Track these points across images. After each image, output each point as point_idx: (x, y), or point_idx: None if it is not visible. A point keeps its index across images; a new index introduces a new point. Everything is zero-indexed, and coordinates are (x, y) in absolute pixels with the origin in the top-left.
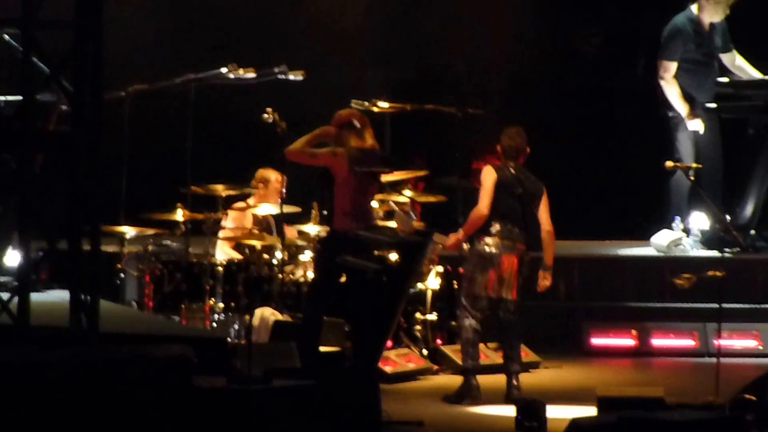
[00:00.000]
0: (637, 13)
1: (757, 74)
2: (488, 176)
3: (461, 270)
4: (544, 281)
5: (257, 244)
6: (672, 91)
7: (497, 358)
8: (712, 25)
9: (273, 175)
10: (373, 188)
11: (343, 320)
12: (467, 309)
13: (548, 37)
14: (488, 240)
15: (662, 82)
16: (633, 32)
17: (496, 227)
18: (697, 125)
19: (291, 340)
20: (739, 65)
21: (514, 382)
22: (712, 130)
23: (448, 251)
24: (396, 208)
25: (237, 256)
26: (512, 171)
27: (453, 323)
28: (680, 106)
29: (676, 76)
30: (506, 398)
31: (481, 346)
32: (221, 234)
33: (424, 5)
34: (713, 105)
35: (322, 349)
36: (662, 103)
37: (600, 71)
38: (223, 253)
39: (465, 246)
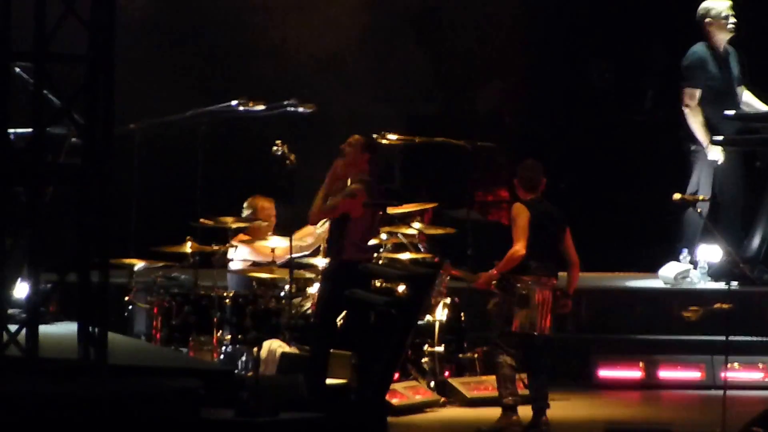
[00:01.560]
0: (645, 47)
1: (765, 108)
2: (521, 214)
3: (490, 305)
4: (564, 308)
5: (265, 276)
6: (696, 119)
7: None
8: (727, 52)
9: (263, 203)
10: (379, 220)
11: (350, 352)
12: (501, 346)
13: (560, 71)
14: (524, 278)
15: (686, 110)
16: (642, 66)
17: (531, 265)
18: (716, 155)
19: (298, 372)
20: (747, 101)
21: (543, 419)
22: (733, 161)
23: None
24: (404, 241)
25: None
26: (542, 205)
27: (460, 355)
28: (702, 135)
29: (700, 105)
30: None
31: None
32: (233, 265)
33: (436, 41)
34: (719, 138)
35: (329, 381)
36: (685, 137)
37: (610, 105)
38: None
39: (494, 283)
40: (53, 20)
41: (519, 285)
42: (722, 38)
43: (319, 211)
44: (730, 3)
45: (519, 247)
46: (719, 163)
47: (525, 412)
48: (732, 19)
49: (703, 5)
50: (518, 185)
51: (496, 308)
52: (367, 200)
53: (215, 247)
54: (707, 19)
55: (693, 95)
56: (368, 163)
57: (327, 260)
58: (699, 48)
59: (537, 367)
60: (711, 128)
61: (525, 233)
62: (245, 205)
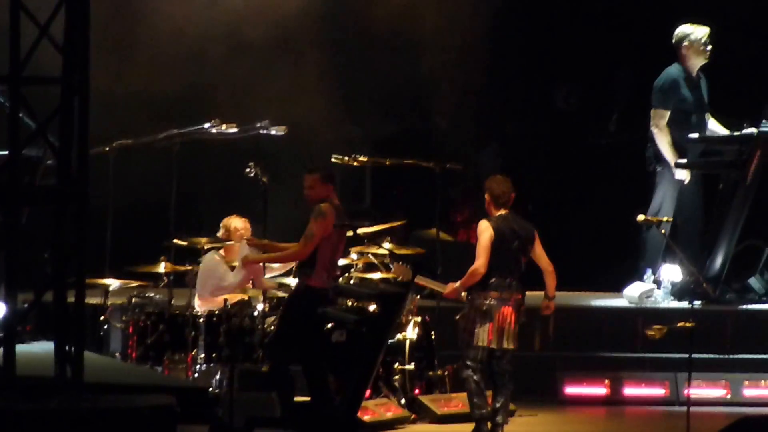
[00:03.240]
0: (610, 71)
1: (727, 133)
2: (484, 232)
3: (457, 318)
4: (547, 310)
5: (238, 295)
6: (664, 139)
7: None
8: (699, 77)
9: (237, 223)
10: (344, 242)
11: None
12: (467, 361)
13: (525, 94)
14: (485, 294)
15: (655, 130)
16: (606, 90)
17: (493, 281)
18: (683, 174)
19: (271, 390)
20: (711, 127)
21: None
22: (693, 184)
23: (446, 300)
24: (375, 261)
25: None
26: (507, 222)
27: (431, 373)
28: (669, 155)
29: (668, 126)
30: None
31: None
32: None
33: (405, 64)
34: (683, 161)
35: (298, 399)
36: (653, 156)
37: (575, 128)
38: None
39: (463, 294)
40: (28, 43)
41: (481, 301)
42: (697, 63)
43: (304, 245)
44: (709, 30)
45: (479, 265)
46: (686, 182)
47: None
48: (709, 46)
49: (681, 29)
50: (488, 201)
51: (463, 320)
52: (337, 222)
53: (189, 267)
54: (685, 43)
55: (663, 116)
56: (333, 192)
57: (297, 280)
58: (673, 70)
59: (499, 383)
60: (678, 150)
61: (487, 252)
62: (221, 225)
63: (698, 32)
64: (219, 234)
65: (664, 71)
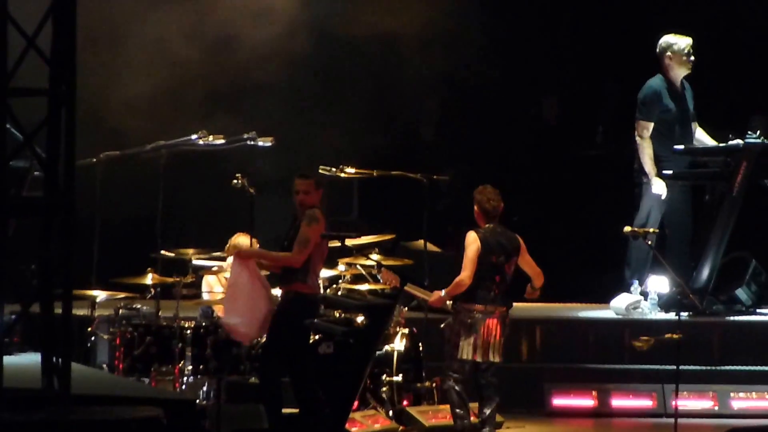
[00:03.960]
0: (596, 83)
1: (714, 144)
2: (471, 244)
3: (442, 327)
4: (534, 294)
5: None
6: (646, 152)
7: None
8: (683, 87)
9: (245, 240)
10: (327, 252)
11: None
12: (449, 372)
13: (512, 106)
14: (470, 307)
15: (639, 140)
16: (592, 102)
17: (478, 294)
18: (660, 188)
19: (259, 402)
20: (699, 138)
21: None
22: (682, 194)
23: (431, 308)
24: (363, 272)
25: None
26: (495, 235)
27: (418, 385)
28: (649, 167)
29: (652, 138)
30: None
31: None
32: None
33: (392, 77)
34: (669, 172)
35: (286, 410)
36: (640, 169)
37: (561, 139)
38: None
39: (448, 303)
40: (15, 55)
41: (466, 314)
42: (680, 73)
43: (299, 252)
44: (691, 40)
45: (464, 276)
46: (663, 197)
47: None
48: (692, 57)
49: (665, 39)
50: (477, 213)
51: (447, 330)
52: (325, 232)
53: (176, 279)
54: (668, 53)
55: (647, 127)
56: (323, 197)
57: (281, 290)
58: (655, 82)
59: (485, 395)
60: (663, 161)
61: (473, 263)
62: (229, 242)
63: (681, 42)
64: (228, 249)
65: (646, 83)
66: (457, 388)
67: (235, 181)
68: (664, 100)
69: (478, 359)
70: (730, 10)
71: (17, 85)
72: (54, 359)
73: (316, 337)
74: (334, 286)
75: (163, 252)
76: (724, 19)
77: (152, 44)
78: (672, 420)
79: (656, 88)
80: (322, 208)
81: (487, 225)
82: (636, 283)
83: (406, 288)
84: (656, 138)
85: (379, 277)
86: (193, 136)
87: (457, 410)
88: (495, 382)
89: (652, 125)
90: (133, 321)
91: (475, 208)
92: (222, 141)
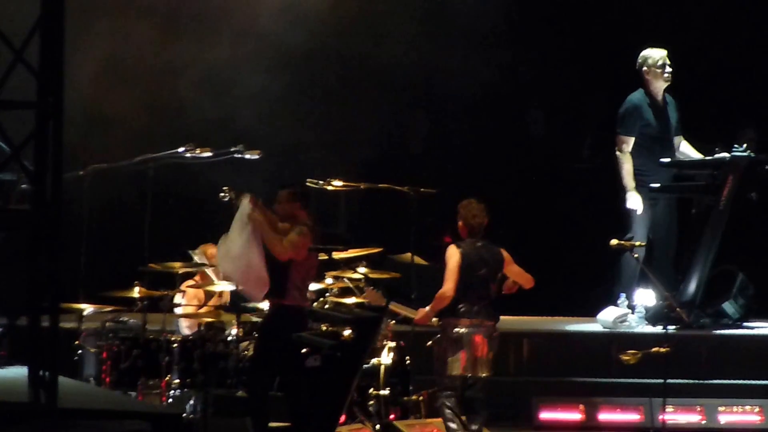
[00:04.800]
0: (583, 96)
1: (700, 157)
2: (452, 257)
3: (431, 342)
4: (511, 289)
5: (212, 320)
6: (625, 166)
7: None
8: (665, 101)
9: (212, 250)
10: (316, 266)
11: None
12: (441, 390)
13: (499, 119)
14: (456, 321)
15: (619, 155)
16: (579, 115)
17: (462, 308)
18: (635, 203)
19: (245, 415)
20: (684, 150)
21: None
22: (668, 207)
23: (416, 325)
24: (350, 285)
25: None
26: (476, 249)
27: (406, 398)
28: (626, 181)
29: (633, 152)
30: None
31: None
32: (177, 311)
33: (380, 88)
34: (656, 185)
35: (273, 424)
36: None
37: (548, 152)
38: (190, 330)
39: (434, 319)
40: (2, 68)
41: (453, 329)
42: (659, 86)
43: (280, 245)
44: (666, 52)
45: (446, 289)
46: (638, 212)
47: None
48: (668, 68)
49: (642, 54)
50: (461, 227)
51: (435, 346)
52: (313, 245)
53: (163, 292)
54: (644, 67)
55: (627, 142)
56: (301, 210)
57: (268, 303)
58: (635, 96)
59: (473, 410)
60: (648, 174)
61: (454, 276)
62: (197, 251)
63: (655, 55)
64: (196, 259)
65: (627, 98)
66: (448, 403)
67: (222, 194)
68: (644, 115)
69: (467, 374)
70: (715, 22)
71: (5, 98)
72: (41, 372)
73: (304, 350)
74: (322, 299)
75: (150, 265)
76: (708, 31)
77: (134, 58)
78: None
79: (636, 103)
80: (307, 222)
81: (470, 239)
82: (623, 296)
83: (390, 307)
84: (639, 152)
85: (364, 295)
86: (180, 149)
87: (451, 425)
88: (482, 397)
89: (632, 140)
90: (120, 334)
91: (460, 222)
92: (209, 154)
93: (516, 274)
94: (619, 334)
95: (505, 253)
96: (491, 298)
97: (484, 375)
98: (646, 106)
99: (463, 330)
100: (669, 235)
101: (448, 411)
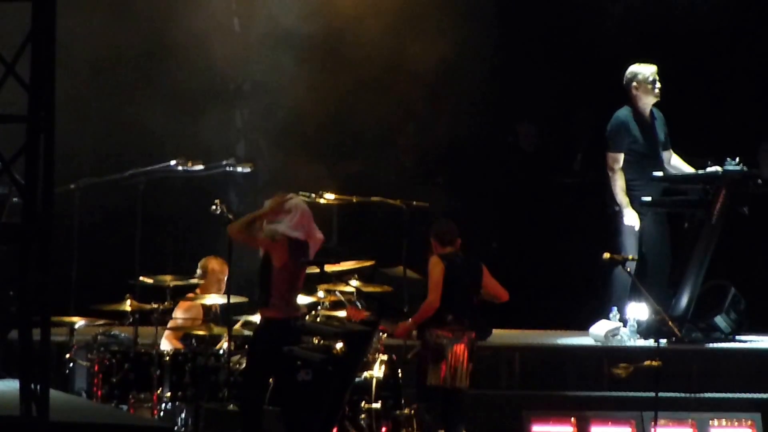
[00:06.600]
0: (573, 110)
1: (691, 171)
2: (436, 267)
3: (410, 355)
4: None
5: (204, 334)
6: (618, 183)
7: None
8: (653, 116)
9: (214, 264)
10: (302, 277)
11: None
12: (419, 401)
13: (490, 134)
14: (438, 332)
15: (611, 173)
16: (571, 129)
17: (447, 318)
18: (632, 220)
19: (237, 429)
20: (675, 164)
21: None
22: (659, 222)
23: (396, 339)
24: (342, 298)
25: (180, 347)
26: (458, 260)
27: (397, 412)
28: (621, 199)
29: (623, 168)
30: None
31: None
32: (170, 324)
33: (370, 101)
34: (648, 199)
35: None
36: (611, 199)
37: (539, 167)
38: (169, 344)
39: (414, 333)
40: None
41: (434, 340)
42: (648, 102)
43: (241, 229)
44: (656, 68)
45: (432, 299)
46: (636, 229)
47: None
48: (658, 84)
49: (630, 69)
50: (433, 241)
51: (415, 359)
52: (303, 259)
53: (154, 305)
54: (633, 83)
55: (617, 159)
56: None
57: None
58: (622, 113)
59: (453, 422)
60: (638, 189)
61: (439, 286)
62: (199, 265)
63: (645, 71)
64: (197, 274)
65: (614, 115)
66: (427, 416)
67: (213, 207)
68: (632, 131)
69: (447, 386)
70: (707, 36)
71: None
72: (32, 386)
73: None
74: (313, 312)
75: (141, 278)
76: (698, 45)
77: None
78: None
79: (623, 119)
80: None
81: (447, 251)
82: (615, 310)
83: (372, 318)
84: (629, 167)
85: (358, 304)
86: (172, 162)
87: None
88: (462, 409)
89: (622, 156)
90: (112, 347)
91: (432, 241)
92: (200, 167)
93: (492, 287)
94: (611, 348)
95: (482, 266)
96: (473, 309)
97: (463, 386)
98: (633, 123)
99: (444, 341)
100: (661, 249)
101: (426, 424)
